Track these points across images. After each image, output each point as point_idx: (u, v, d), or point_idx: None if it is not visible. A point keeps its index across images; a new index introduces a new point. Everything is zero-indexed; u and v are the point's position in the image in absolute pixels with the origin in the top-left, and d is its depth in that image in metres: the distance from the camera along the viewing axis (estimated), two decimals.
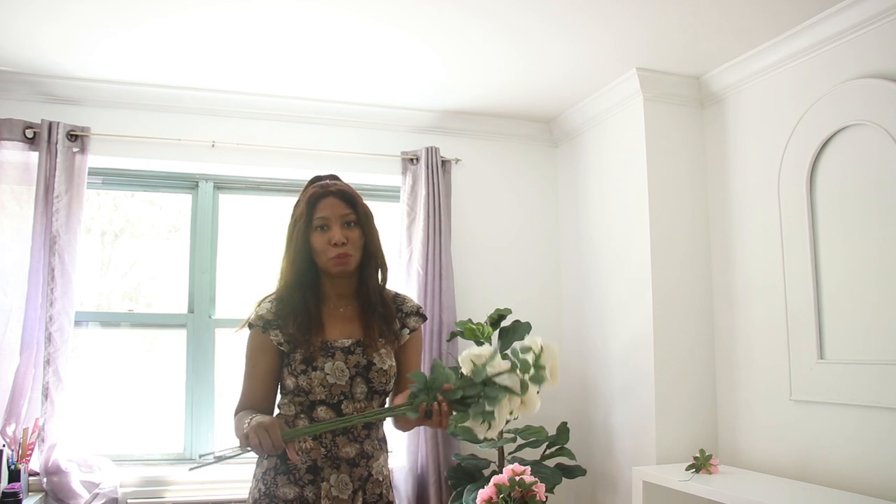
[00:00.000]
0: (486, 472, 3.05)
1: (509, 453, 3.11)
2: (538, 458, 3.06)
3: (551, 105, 3.49)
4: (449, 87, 3.24)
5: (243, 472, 3.09)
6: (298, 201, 1.76)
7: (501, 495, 2.76)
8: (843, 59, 2.47)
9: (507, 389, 1.36)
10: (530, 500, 2.77)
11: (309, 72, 3.04)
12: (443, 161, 3.50)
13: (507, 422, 1.39)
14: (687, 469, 2.63)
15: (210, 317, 3.37)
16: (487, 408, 1.35)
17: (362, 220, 1.72)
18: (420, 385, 1.44)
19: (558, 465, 3.07)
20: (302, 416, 1.67)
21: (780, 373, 2.67)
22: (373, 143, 3.49)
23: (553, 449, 3.07)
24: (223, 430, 3.30)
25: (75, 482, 2.79)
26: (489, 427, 1.37)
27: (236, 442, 1.52)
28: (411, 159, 3.48)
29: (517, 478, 2.55)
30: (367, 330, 1.71)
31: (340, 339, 1.69)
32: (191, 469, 1.65)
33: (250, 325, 1.71)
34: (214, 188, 3.46)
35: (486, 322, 3.16)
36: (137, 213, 3.51)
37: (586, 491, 3.41)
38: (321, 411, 1.65)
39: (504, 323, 3.21)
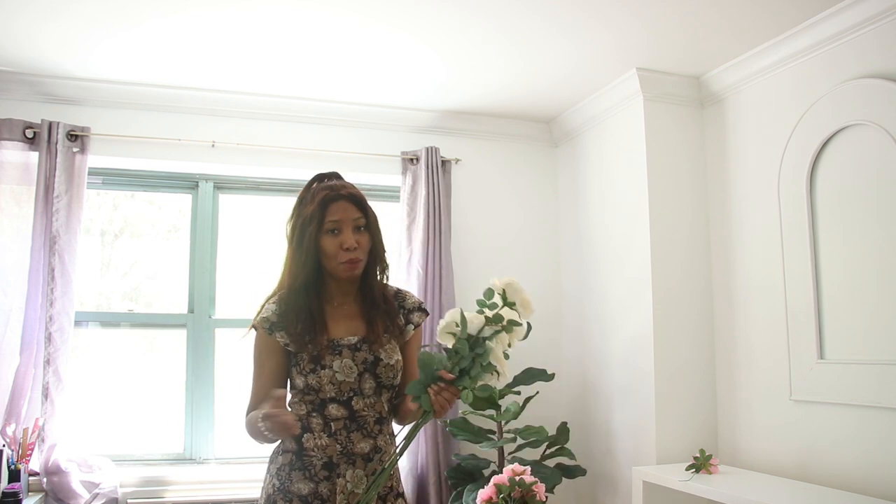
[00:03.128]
0: (486, 472, 3.05)
1: (509, 453, 3.11)
2: (538, 458, 3.06)
3: (551, 105, 3.49)
4: (449, 87, 3.24)
5: (244, 473, 3.11)
6: (303, 200, 1.76)
7: (501, 495, 2.76)
8: (843, 59, 2.47)
9: (492, 338, 1.41)
10: (530, 500, 2.76)
11: (309, 72, 3.04)
12: (443, 161, 3.50)
13: (508, 356, 1.46)
14: (687, 469, 2.63)
15: (210, 317, 3.37)
16: (484, 363, 1.41)
17: (371, 225, 1.75)
18: (420, 389, 1.45)
19: (558, 465, 3.07)
20: (314, 414, 1.69)
21: (780, 373, 2.67)
22: (373, 143, 3.49)
23: (553, 449, 3.07)
24: (223, 430, 3.30)
25: (75, 482, 2.79)
26: (499, 375, 1.44)
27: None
28: (411, 159, 3.48)
29: (517, 478, 2.54)
30: (370, 327, 1.74)
31: (346, 336, 1.72)
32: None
33: (255, 328, 1.73)
34: (214, 188, 3.46)
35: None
36: (137, 213, 3.51)
37: (586, 491, 3.41)
38: (332, 409, 1.68)
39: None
